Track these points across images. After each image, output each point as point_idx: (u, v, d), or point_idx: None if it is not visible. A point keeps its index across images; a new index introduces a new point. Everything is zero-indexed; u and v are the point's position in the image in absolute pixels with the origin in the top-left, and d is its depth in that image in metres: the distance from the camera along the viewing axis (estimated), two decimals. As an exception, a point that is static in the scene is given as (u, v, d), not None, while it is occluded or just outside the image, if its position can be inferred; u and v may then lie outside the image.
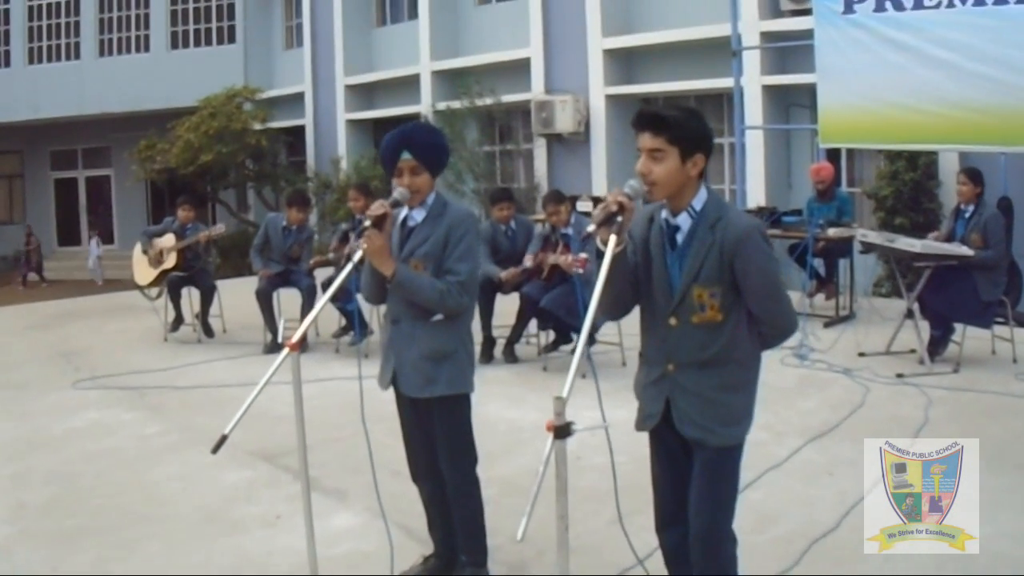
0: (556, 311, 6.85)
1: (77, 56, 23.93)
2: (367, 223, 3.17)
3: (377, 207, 3.21)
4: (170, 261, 8.50)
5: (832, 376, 6.69)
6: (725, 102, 12.80)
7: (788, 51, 11.43)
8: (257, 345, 8.10)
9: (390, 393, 3.46)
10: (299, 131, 20.90)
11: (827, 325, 8.30)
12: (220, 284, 9.17)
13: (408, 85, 17.61)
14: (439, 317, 3.28)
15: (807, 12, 9.99)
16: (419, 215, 3.34)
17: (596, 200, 11.76)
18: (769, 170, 12.18)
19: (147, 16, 23.46)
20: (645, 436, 2.92)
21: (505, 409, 5.96)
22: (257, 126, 19.60)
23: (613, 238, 2.54)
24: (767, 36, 11.85)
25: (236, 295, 9.40)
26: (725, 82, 11.28)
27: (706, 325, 2.71)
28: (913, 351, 7.07)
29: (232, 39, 22.96)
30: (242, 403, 2.85)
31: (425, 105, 16.90)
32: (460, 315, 3.32)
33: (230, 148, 18.94)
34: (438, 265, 3.27)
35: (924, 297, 6.94)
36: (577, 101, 14.36)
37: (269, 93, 21.01)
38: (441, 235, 3.27)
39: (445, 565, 3.57)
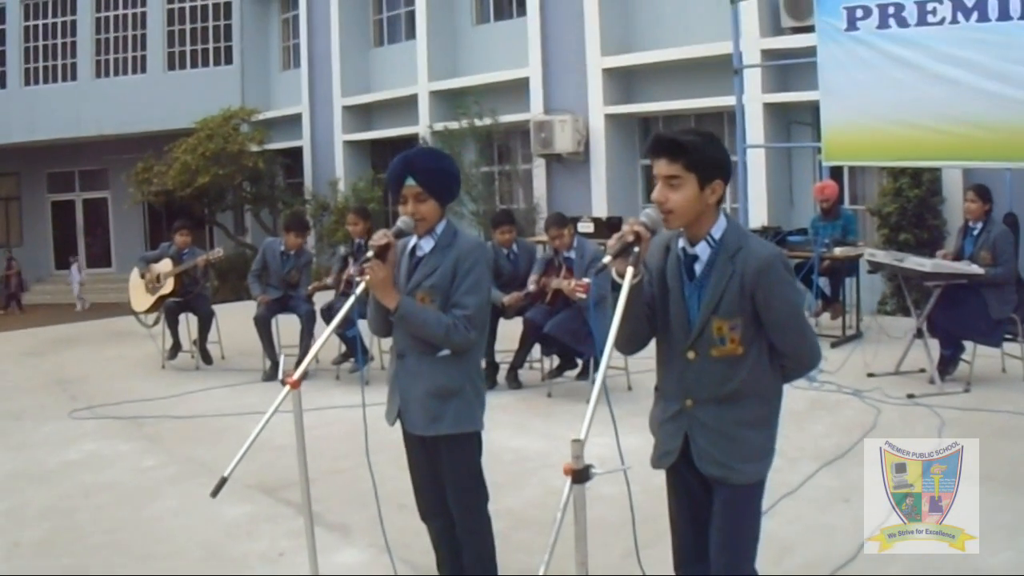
0: (560, 336, 6.75)
1: (74, 77, 23.89)
2: (370, 253, 3.05)
3: (380, 237, 3.09)
4: (167, 287, 8.40)
5: (842, 398, 6.59)
6: (725, 120, 12.74)
7: (789, 68, 11.38)
8: (256, 372, 7.98)
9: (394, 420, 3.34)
10: (296, 152, 20.84)
11: (834, 345, 8.20)
12: (218, 308, 9.08)
13: (406, 106, 17.56)
14: (446, 352, 3.13)
15: (808, 29, 9.96)
16: (427, 245, 3.20)
17: (597, 221, 11.68)
18: (771, 189, 12.12)
19: (144, 37, 23.43)
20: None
21: (510, 438, 5.84)
22: (254, 148, 19.58)
23: (630, 270, 2.44)
24: (768, 54, 11.81)
25: (235, 320, 9.29)
26: (725, 100, 11.25)
27: (726, 359, 2.60)
28: (923, 370, 6.97)
29: (229, 60, 22.94)
30: (241, 433, 2.81)
31: (423, 126, 16.83)
32: (468, 351, 3.17)
33: (227, 170, 18.91)
34: (446, 298, 3.13)
35: (934, 316, 6.85)
36: (576, 121, 14.29)
37: (266, 114, 20.97)
38: (449, 267, 3.13)
39: (454, 605, 3.44)
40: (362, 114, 19.28)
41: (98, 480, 5.37)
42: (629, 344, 2.72)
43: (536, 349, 7.33)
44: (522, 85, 15.36)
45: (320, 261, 14.24)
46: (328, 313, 7.14)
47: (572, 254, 6.91)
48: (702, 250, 2.61)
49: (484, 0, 17.18)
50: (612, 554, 3.87)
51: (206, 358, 8.53)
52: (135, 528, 4.60)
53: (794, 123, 12.20)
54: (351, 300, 3.07)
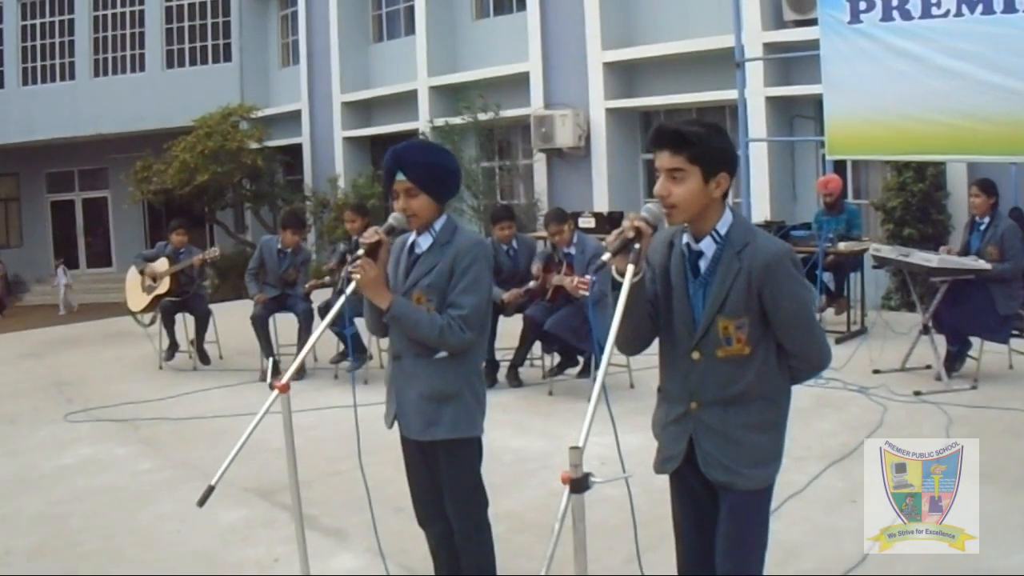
0: (561, 334, 6.66)
1: (72, 76, 23.79)
2: (360, 251, 2.93)
3: (370, 234, 2.96)
4: (163, 286, 8.30)
5: (848, 395, 6.49)
6: (727, 114, 12.64)
7: (791, 62, 11.30)
8: (254, 372, 7.89)
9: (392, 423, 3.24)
10: (296, 149, 20.77)
11: (839, 341, 8.10)
12: (217, 307, 9.00)
13: (406, 101, 17.48)
14: (443, 354, 3.01)
15: (810, 23, 9.87)
16: (425, 242, 3.07)
17: (598, 216, 11.59)
18: (774, 183, 12.03)
19: (142, 35, 23.33)
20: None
21: (510, 437, 5.75)
22: (253, 145, 19.49)
23: (630, 268, 2.33)
24: (770, 47, 11.72)
25: (233, 319, 9.18)
26: (727, 94, 11.16)
27: (732, 359, 2.49)
28: (929, 367, 6.88)
29: (228, 57, 22.83)
30: (238, 436, 2.72)
31: (423, 121, 16.75)
32: (466, 352, 3.04)
33: (226, 168, 18.82)
34: (443, 298, 3.00)
35: (940, 312, 6.76)
36: (577, 115, 14.20)
37: (265, 111, 20.87)
38: (446, 265, 3.00)
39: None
40: (362, 110, 19.20)
41: (93, 485, 5.28)
42: (631, 344, 2.61)
43: (537, 347, 7.24)
44: (522, 80, 15.27)
45: (320, 259, 14.16)
46: (326, 311, 7.05)
47: (572, 250, 6.82)
48: (707, 246, 2.50)
49: (483, -5, 17.12)
50: (614, 558, 3.78)
51: (204, 358, 8.44)
52: (129, 534, 4.51)
53: (797, 117, 12.12)
54: (341, 299, 2.97)
